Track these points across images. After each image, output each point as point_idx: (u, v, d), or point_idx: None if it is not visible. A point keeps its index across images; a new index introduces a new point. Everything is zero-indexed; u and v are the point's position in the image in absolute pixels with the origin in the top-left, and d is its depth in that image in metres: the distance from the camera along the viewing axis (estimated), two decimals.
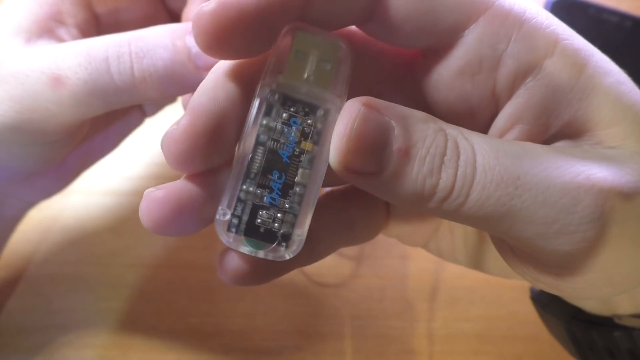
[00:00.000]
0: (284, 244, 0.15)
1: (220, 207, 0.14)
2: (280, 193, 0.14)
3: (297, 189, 0.14)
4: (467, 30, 0.15)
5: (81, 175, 0.28)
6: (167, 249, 0.34)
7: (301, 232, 0.15)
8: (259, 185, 0.14)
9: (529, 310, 0.33)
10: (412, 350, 0.32)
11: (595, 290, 0.16)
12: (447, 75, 0.16)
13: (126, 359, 0.30)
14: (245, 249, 0.15)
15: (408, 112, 0.14)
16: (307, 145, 0.14)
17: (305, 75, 0.15)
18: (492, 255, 0.22)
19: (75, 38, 0.23)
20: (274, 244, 0.15)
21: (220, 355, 0.31)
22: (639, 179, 0.14)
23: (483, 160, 0.13)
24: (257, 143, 0.14)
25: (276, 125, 0.14)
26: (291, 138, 0.14)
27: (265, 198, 0.14)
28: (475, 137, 0.14)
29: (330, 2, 0.14)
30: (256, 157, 0.14)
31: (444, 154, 0.13)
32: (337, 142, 0.13)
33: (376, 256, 0.35)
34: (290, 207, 0.14)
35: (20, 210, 0.28)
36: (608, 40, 0.40)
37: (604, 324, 0.21)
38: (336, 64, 0.15)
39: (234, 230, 0.14)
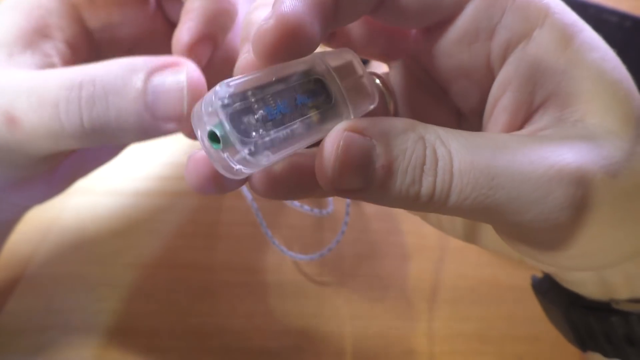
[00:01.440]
0: (248, 151, 0.14)
1: (225, 82, 0.14)
2: (277, 117, 0.15)
3: (288, 131, 0.15)
4: (467, 4, 0.16)
5: (76, 182, 0.28)
6: (167, 249, 0.34)
7: (270, 158, 0.14)
8: (262, 99, 0.15)
9: (529, 310, 0.33)
10: (412, 350, 0.32)
11: (577, 263, 0.17)
12: (446, 45, 0.17)
13: (126, 359, 0.30)
14: (220, 130, 0.14)
15: (388, 126, 0.15)
16: (314, 113, 0.16)
17: (343, 84, 0.16)
18: (489, 230, 0.22)
19: (62, 54, 0.22)
20: (243, 145, 0.14)
21: (220, 355, 0.31)
22: (613, 161, 0.15)
23: (459, 165, 0.15)
24: (284, 78, 0.15)
25: (306, 84, 0.16)
26: (307, 99, 0.15)
27: (265, 109, 0.15)
28: (453, 140, 0.15)
29: None
30: (279, 84, 0.15)
31: (423, 163, 0.15)
32: (323, 166, 0.15)
33: (376, 256, 0.34)
34: (274, 136, 0.14)
35: (14, 214, 0.28)
36: (608, 40, 0.40)
37: (601, 310, 0.22)
38: (362, 102, 0.17)
39: (220, 104, 0.14)
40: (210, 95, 0.14)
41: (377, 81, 0.20)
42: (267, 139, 0.14)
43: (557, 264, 0.18)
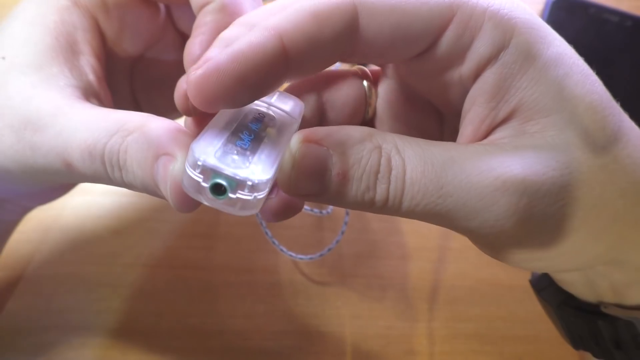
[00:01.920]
0: (250, 182, 0.15)
1: (195, 140, 0.16)
2: (249, 145, 0.16)
3: (264, 151, 0.16)
4: (441, 39, 0.17)
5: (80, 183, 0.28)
6: (167, 249, 0.34)
7: (269, 177, 0.15)
8: (229, 139, 0.16)
9: (529, 310, 0.33)
10: (412, 350, 0.32)
11: (531, 266, 0.19)
12: (422, 71, 0.18)
13: (126, 359, 0.30)
14: (209, 196, 0.15)
15: (346, 136, 0.16)
16: (272, 131, 0.18)
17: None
18: None
19: (93, 68, 0.22)
20: (243, 170, 0.15)
21: (220, 355, 0.31)
22: (565, 172, 0.16)
23: (411, 174, 0.16)
24: (232, 117, 0.17)
25: (247, 115, 0.18)
26: (259, 123, 0.18)
27: (236, 143, 0.16)
28: (409, 150, 0.16)
29: (308, 58, 0.16)
30: (230, 123, 0.17)
31: (377, 172, 0.16)
32: (282, 174, 0.16)
33: (376, 256, 0.34)
34: (258, 159, 0.16)
35: (18, 214, 0.28)
36: (608, 39, 0.40)
37: (590, 312, 0.22)
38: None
39: (206, 156, 0.15)
40: (190, 159, 0.15)
41: (365, 83, 0.22)
42: (257, 164, 0.16)
43: (518, 264, 0.19)
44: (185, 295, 0.32)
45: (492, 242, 0.17)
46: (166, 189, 0.17)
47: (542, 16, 0.42)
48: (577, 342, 0.24)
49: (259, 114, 0.18)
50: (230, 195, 0.15)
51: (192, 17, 0.25)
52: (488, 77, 0.17)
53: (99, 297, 0.32)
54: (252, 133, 0.17)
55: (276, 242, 0.32)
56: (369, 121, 0.22)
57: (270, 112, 0.19)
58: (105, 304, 0.32)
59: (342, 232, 0.33)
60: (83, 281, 0.32)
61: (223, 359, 0.31)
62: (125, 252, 0.33)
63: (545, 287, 0.25)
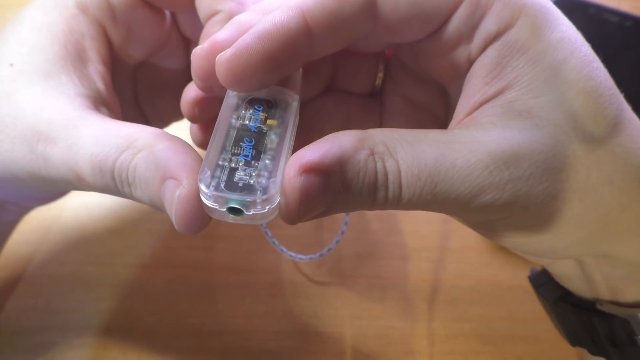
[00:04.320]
0: (262, 193, 0.16)
1: (201, 170, 0.16)
2: (252, 153, 0.17)
3: (268, 152, 0.17)
4: (453, 16, 0.17)
5: None
6: (166, 249, 0.34)
7: (276, 180, 0.16)
8: (233, 154, 0.17)
9: (529, 310, 0.33)
10: (412, 350, 0.32)
11: (522, 248, 0.19)
12: (432, 50, 0.19)
13: (126, 359, 0.30)
14: (230, 216, 0.17)
15: (340, 150, 0.16)
16: (272, 122, 0.18)
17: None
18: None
19: (102, 76, 0.22)
20: (254, 194, 0.16)
21: (220, 355, 0.31)
22: (549, 155, 0.16)
23: (407, 178, 0.16)
24: (230, 127, 0.17)
25: (245, 114, 0.18)
26: (257, 117, 0.18)
27: (239, 157, 0.17)
28: (400, 150, 0.16)
29: (330, 36, 0.17)
30: (229, 135, 0.17)
31: (376, 182, 0.16)
32: (286, 209, 0.16)
33: (376, 256, 0.34)
34: (263, 166, 0.17)
35: (18, 215, 0.28)
36: (608, 40, 0.40)
37: (586, 309, 0.22)
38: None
39: (214, 186, 0.16)
40: (201, 190, 0.16)
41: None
42: (263, 172, 0.16)
43: (509, 247, 0.20)
44: (185, 295, 0.32)
45: (485, 225, 0.18)
46: (172, 212, 0.17)
47: None
48: (573, 338, 0.24)
49: (255, 104, 0.18)
50: (247, 213, 0.16)
51: (197, 24, 0.25)
52: (489, 53, 0.17)
53: (99, 297, 0.32)
54: (252, 137, 0.17)
55: (276, 242, 0.32)
56: (377, 92, 0.24)
57: (266, 97, 0.18)
58: (105, 304, 0.32)
59: (342, 232, 0.33)
60: (83, 281, 0.32)
61: (223, 359, 0.31)
62: (125, 252, 0.33)
63: (543, 283, 0.25)
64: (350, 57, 0.23)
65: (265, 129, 0.17)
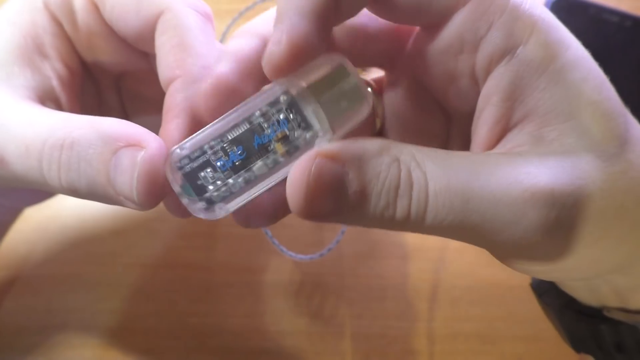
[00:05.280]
0: (204, 204, 0.16)
1: (181, 143, 0.16)
2: (232, 165, 0.16)
3: (248, 175, 0.16)
4: (456, 13, 0.16)
5: None
6: (167, 249, 0.34)
7: (226, 209, 0.16)
8: (222, 150, 0.16)
9: (529, 310, 0.33)
10: (412, 350, 0.32)
11: (556, 277, 0.18)
12: (435, 53, 0.18)
13: (126, 359, 0.30)
14: (178, 188, 0.16)
15: (362, 149, 0.15)
16: (279, 147, 0.16)
17: (322, 99, 0.16)
18: None
19: (59, 74, 0.21)
20: (197, 198, 0.16)
21: (220, 355, 0.31)
22: (589, 181, 0.15)
23: (435, 188, 0.15)
24: (247, 118, 0.16)
25: (271, 116, 0.16)
26: (271, 133, 0.16)
27: (218, 161, 0.16)
28: (428, 162, 0.15)
29: None
30: (238, 128, 0.16)
31: (397, 187, 0.15)
32: (295, 195, 0.15)
33: (376, 256, 0.34)
34: (231, 184, 0.16)
35: (8, 216, 0.28)
36: (608, 40, 0.40)
37: (593, 316, 0.22)
38: (351, 108, 0.16)
39: (178, 167, 0.16)
40: (168, 163, 0.16)
41: (369, 89, 0.21)
42: (223, 190, 0.16)
43: (537, 275, 0.19)
44: (185, 295, 0.32)
45: (515, 254, 0.17)
46: (131, 180, 0.16)
47: None
48: (578, 345, 0.23)
49: (290, 114, 0.16)
50: (189, 202, 0.16)
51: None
52: (504, 74, 0.16)
53: (99, 297, 0.32)
54: (251, 148, 0.16)
55: (276, 242, 0.32)
56: (378, 133, 0.22)
57: (305, 114, 0.16)
58: (105, 304, 0.32)
59: (342, 232, 0.33)
60: (83, 281, 0.32)
61: (223, 359, 0.31)
62: (125, 252, 0.33)
63: (546, 290, 0.25)
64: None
65: (271, 147, 0.16)
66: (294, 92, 0.16)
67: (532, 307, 0.33)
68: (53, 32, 0.21)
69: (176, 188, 0.16)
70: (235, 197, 0.16)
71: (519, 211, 0.15)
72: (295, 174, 0.15)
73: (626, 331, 0.20)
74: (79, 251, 0.33)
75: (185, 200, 0.16)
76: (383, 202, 0.15)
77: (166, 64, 0.19)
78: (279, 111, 0.16)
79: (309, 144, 0.16)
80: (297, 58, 0.15)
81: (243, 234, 0.35)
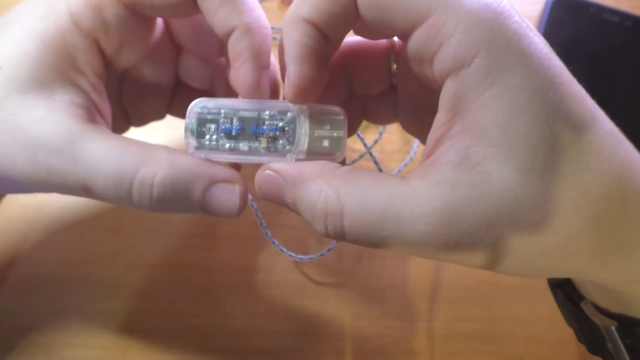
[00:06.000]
0: (195, 144, 0.21)
1: (212, 98, 0.21)
2: (228, 132, 0.21)
3: (233, 145, 0.21)
4: (416, 31, 0.18)
5: None
6: (167, 249, 0.34)
7: (206, 155, 0.21)
8: (230, 119, 0.21)
9: (529, 310, 0.33)
10: (412, 350, 0.32)
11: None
12: (408, 59, 0.20)
13: (126, 359, 0.30)
14: (189, 122, 0.21)
15: (299, 173, 0.19)
16: (264, 142, 0.21)
17: (314, 131, 0.21)
18: None
19: (95, 87, 0.22)
20: (195, 138, 0.21)
21: (220, 355, 0.31)
22: (489, 214, 0.17)
23: (350, 221, 0.18)
24: (259, 110, 0.21)
25: (274, 120, 0.21)
26: (266, 129, 0.21)
27: (223, 124, 0.21)
28: (350, 196, 0.18)
29: (331, 20, 0.19)
30: (250, 112, 0.21)
31: (315, 213, 0.18)
32: (255, 183, 0.21)
33: (376, 256, 0.35)
34: (220, 144, 0.21)
35: None
36: (608, 39, 0.40)
37: (609, 315, 0.22)
38: (328, 150, 0.21)
39: (198, 111, 0.21)
40: (195, 103, 0.21)
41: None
42: (213, 143, 0.21)
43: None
44: (185, 295, 0.32)
45: (445, 260, 0.19)
46: (234, 209, 0.21)
47: (542, 16, 0.42)
48: (593, 348, 0.24)
49: (290, 127, 0.21)
50: (187, 136, 0.21)
51: (192, 32, 0.25)
52: (449, 89, 0.18)
53: (99, 297, 0.32)
54: (244, 131, 0.21)
55: (276, 242, 0.32)
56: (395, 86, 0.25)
57: (299, 137, 0.21)
58: (105, 304, 0.32)
59: None
60: (82, 281, 0.32)
61: (223, 359, 0.31)
62: (125, 252, 0.33)
63: (559, 284, 0.25)
64: (362, 63, 0.24)
65: (260, 138, 0.21)
66: (299, 115, 0.21)
67: (532, 307, 0.33)
68: (86, 49, 0.22)
69: (187, 122, 0.21)
70: (217, 154, 0.21)
71: (422, 241, 0.17)
72: (258, 172, 0.20)
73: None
74: (78, 251, 0.33)
75: (187, 134, 0.21)
76: (309, 217, 0.19)
77: (220, 19, 0.21)
78: (281, 119, 0.21)
79: (283, 153, 0.21)
80: (306, 92, 0.20)
81: (243, 234, 0.35)
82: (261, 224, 0.32)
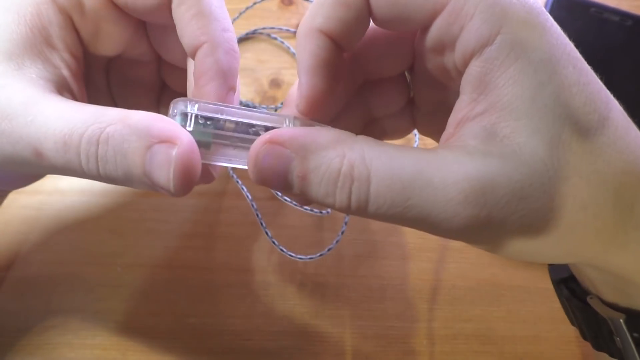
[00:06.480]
0: (181, 120, 0.19)
1: (198, 99, 0.19)
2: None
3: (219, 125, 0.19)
4: (435, 20, 0.18)
5: None
6: (166, 249, 0.34)
7: (188, 125, 0.19)
8: (219, 121, 0.19)
9: (529, 310, 0.33)
10: (412, 351, 0.32)
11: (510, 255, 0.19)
12: (427, 51, 0.20)
13: (126, 359, 0.30)
14: (181, 107, 0.19)
15: (310, 140, 0.17)
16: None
17: None
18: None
19: (68, 64, 0.22)
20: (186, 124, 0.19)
21: (220, 355, 0.31)
22: (525, 184, 0.16)
23: (377, 187, 0.17)
24: (250, 124, 0.20)
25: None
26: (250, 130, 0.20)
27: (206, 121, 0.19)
28: (376, 161, 0.17)
29: (345, 28, 0.19)
30: (240, 123, 0.19)
31: (336, 181, 0.17)
32: (249, 166, 0.18)
33: (376, 256, 0.34)
34: (215, 121, 0.19)
35: None
36: (609, 39, 0.40)
37: (617, 308, 0.22)
38: None
39: (183, 111, 0.19)
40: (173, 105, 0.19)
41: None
42: (201, 122, 0.19)
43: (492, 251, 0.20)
44: (185, 295, 0.32)
45: (457, 239, 0.19)
46: (168, 174, 0.18)
47: None
48: (598, 340, 0.24)
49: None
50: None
51: (165, 40, 0.25)
52: (473, 69, 0.18)
53: (98, 297, 0.32)
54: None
55: (276, 242, 0.32)
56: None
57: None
58: (105, 304, 0.32)
59: (342, 232, 0.33)
60: (82, 281, 0.32)
61: (223, 359, 0.31)
62: (125, 252, 0.33)
63: (562, 280, 0.25)
64: (379, 86, 0.24)
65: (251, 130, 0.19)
66: (290, 125, 0.20)
67: (532, 307, 0.33)
68: (60, 24, 0.21)
69: (180, 108, 0.19)
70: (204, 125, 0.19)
71: (453, 210, 0.16)
72: (249, 152, 0.18)
73: None
74: (78, 251, 0.33)
75: (173, 111, 0.19)
76: (323, 190, 0.17)
77: (190, 32, 0.20)
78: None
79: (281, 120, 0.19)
80: (318, 105, 0.19)
81: (243, 234, 0.35)
82: (261, 224, 0.32)
